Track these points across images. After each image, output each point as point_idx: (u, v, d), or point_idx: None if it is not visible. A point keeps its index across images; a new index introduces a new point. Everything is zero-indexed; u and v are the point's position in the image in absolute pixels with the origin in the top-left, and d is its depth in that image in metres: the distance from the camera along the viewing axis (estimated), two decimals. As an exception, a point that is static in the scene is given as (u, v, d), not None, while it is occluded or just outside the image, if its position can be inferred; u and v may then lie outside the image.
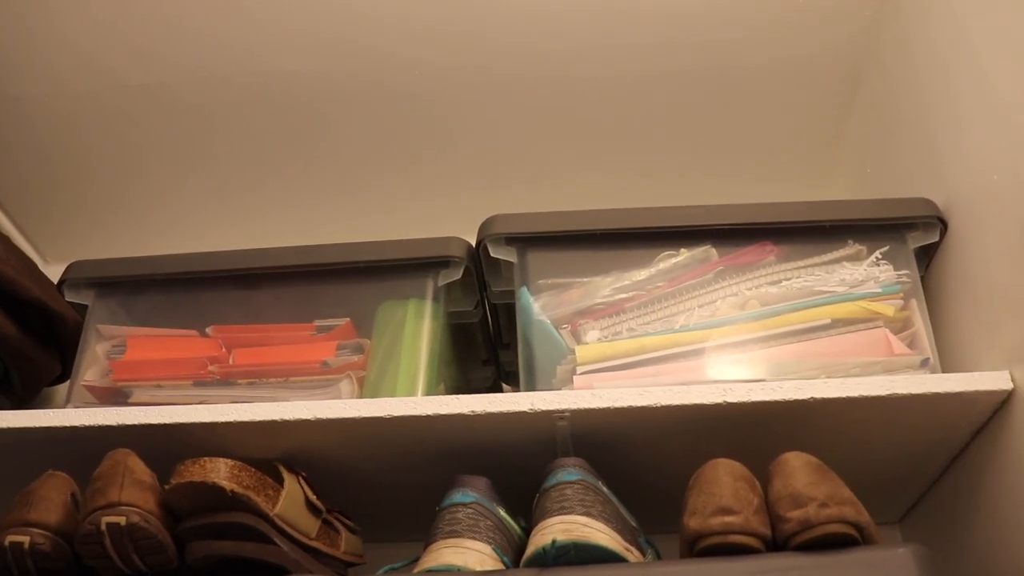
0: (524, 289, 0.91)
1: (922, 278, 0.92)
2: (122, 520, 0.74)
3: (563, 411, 0.81)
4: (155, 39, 1.10)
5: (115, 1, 1.07)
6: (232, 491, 0.76)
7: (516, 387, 1.11)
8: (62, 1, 1.07)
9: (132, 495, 0.76)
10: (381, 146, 1.20)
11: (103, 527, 0.74)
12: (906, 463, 0.92)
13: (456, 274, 0.95)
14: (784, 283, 0.89)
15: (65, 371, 1.11)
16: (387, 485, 0.92)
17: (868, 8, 1.05)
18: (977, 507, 0.87)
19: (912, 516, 1.01)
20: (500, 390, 1.13)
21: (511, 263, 0.93)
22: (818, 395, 0.80)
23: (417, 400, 0.83)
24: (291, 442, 0.85)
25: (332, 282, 0.96)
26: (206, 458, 0.78)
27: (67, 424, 0.84)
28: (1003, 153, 0.83)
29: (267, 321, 0.96)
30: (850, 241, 0.91)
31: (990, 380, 0.80)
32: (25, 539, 0.77)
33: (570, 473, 0.78)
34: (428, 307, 0.94)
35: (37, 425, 0.85)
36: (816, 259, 0.91)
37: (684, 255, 0.91)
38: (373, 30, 1.08)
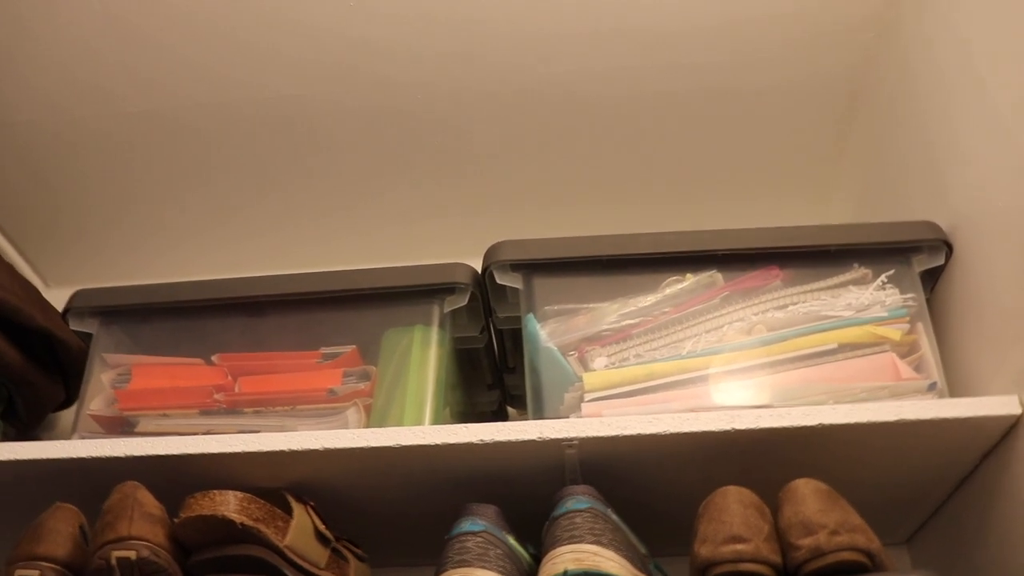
0: (531, 316, 0.91)
1: (928, 301, 0.92)
2: (132, 554, 0.74)
3: (571, 439, 0.81)
4: (155, 66, 1.10)
5: (114, 29, 1.07)
6: (242, 524, 0.76)
7: (522, 410, 1.11)
8: (61, 30, 1.07)
9: (142, 529, 0.76)
10: (383, 169, 1.20)
11: (113, 562, 0.74)
12: (914, 486, 0.92)
13: (462, 300, 0.94)
14: (790, 308, 0.89)
15: (69, 397, 1.11)
16: (396, 513, 0.92)
17: (869, 30, 1.05)
18: (985, 529, 0.87)
19: (920, 537, 1.01)
20: (506, 414, 1.13)
21: (517, 289, 0.93)
22: (826, 421, 0.80)
23: (425, 429, 0.82)
24: (299, 472, 0.85)
25: (337, 309, 0.96)
26: (215, 491, 0.77)
27: (74, 456, 0.84)
28: (1007, 175, 0.83)
29: (273, 348, 0.96)
30: (856, 265, 0.91)
31: (998, 405, 0.80)
32: (34, 573, 0.76)
33: (579, 501, 0.78)
34: (434, 333, 0.94)
35: (44, 457, 0.84)
36: (822, 283, 0.91)
37: (690, 280, 0.91)
38: (374, 55, 1.08)
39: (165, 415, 0.93)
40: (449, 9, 1.05)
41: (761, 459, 0.82)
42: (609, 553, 0.75)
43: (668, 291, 0.91)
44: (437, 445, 0.81)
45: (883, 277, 0.90)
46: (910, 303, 0.89)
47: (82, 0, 1.04)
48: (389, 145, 1.18)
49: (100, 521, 0.77)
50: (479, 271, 0.95)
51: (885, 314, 0.88)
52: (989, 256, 0.86)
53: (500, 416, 1.12)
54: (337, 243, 1.27)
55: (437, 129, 1.16)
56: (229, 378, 0.94)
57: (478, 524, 0.79)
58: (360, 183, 1.22)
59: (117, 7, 1.05)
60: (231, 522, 0.76)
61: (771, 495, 0.76)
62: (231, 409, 0.93)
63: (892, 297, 0.89)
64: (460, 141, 1.17)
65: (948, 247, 0.91)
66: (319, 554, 0.83)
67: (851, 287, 0.90)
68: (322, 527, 0.84)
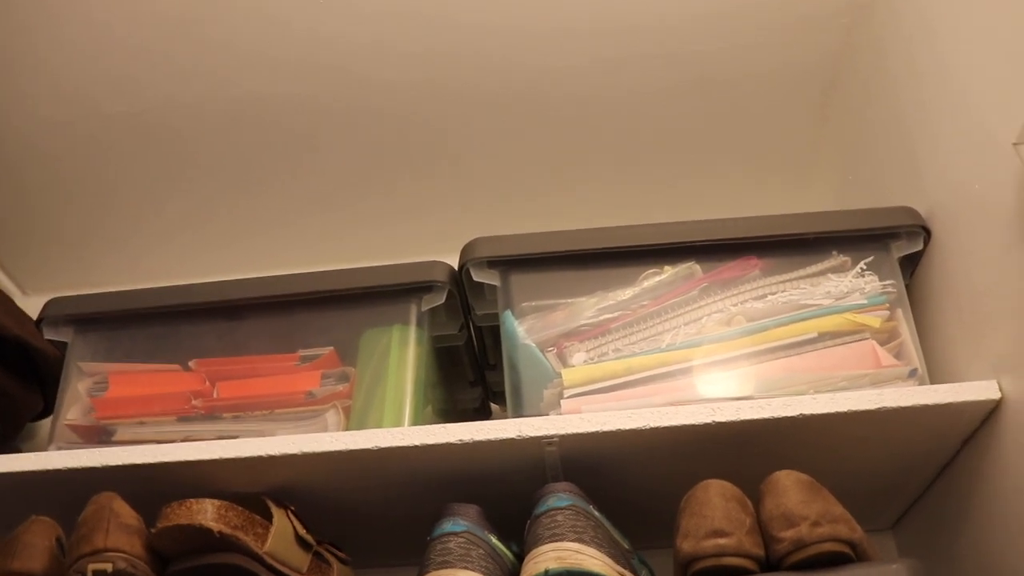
0: (508, 313, 0.90)
1: (907, 287, 0.91)
2: (109, 567, 0.73)
3: (551, 436, 0.80)
4: (131, 67, 1.09)
5: (91, 30, 1.06)
6: (220, 532, 0.75)
7: (504, 407, 1.10)
8: (37, 32, 1.06)
9: (118, 540, 0.75)
10: (360, 168, 1.19)
11: (90, 574, 0.73)
12: (897, 473, 0.92)
13: (439, 299, 0.94)
14: (770, 297, 0.89)
15: (47, 406, 1.10)
16: (377, 515, 0.91)
17: (844, 16, 1.05)
18: (968, 513, 0.87)
19: (904, 523, 1.01)
20: (488, 410, 1.12)
21: (494, 286, 0.92)
22: (807, 411, 0.79)
23: (404, 431, 0.82)
24: (278, 476, 0.84)
25: (314, 310, 0.95)
26: (192, 500, 0.76)
27: (49, 467, 0.83)
28: (979, 159, 0.83)
29: (250, 352, 0.95)
30: (834, 252, 0.91)
31: (978, 390, 0.80)
32: (10, 588, 0.76)
33: (561, 498, 0.78)
34: (412, 332, 0.93)
35: (19, 470, 0.83)
36: (801, 272, 0.90)
37: (668, 272, 0.91)
38: (350, 53, 1.07)
39: (143, 423, 0.92)
40: (426, 6, 1.04)
41: (742, 451, 0.82)
42: (591, 550, 0.75)
43: (646, 284, 0.91)
44: (416, 446, 0.81)
45: (862, 264, 0.90)
46: (889, 290, 0.89)
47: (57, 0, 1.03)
48: (366, 145, 1.17)
49: (76, 534, 0.76)
50: (456, 269, 0.94)
51: (864, 301, 0.88)
52: (966, 241, 0.86)
53: (483, 413, 1.12)
54: (314, 245, 1.26)
55: (412, 127, 1.15)
56: (207, 383, 0.93)
57: (460, 524, 0.79)
58: (337, 183, 1.21)
59: (93, 7, 1.04)
60: (209, 531, 0.75)
61: (753, 487, 0.75)
62: (209, 415, 0.92)
63: (871, 284, 0.89)
64: (435, 139, 1.16)
65: (926, 232, 0.91)
66: (300, 559, 0.82)
67: (830, 275, 0.90)
68: (303, 531, 0.83)
